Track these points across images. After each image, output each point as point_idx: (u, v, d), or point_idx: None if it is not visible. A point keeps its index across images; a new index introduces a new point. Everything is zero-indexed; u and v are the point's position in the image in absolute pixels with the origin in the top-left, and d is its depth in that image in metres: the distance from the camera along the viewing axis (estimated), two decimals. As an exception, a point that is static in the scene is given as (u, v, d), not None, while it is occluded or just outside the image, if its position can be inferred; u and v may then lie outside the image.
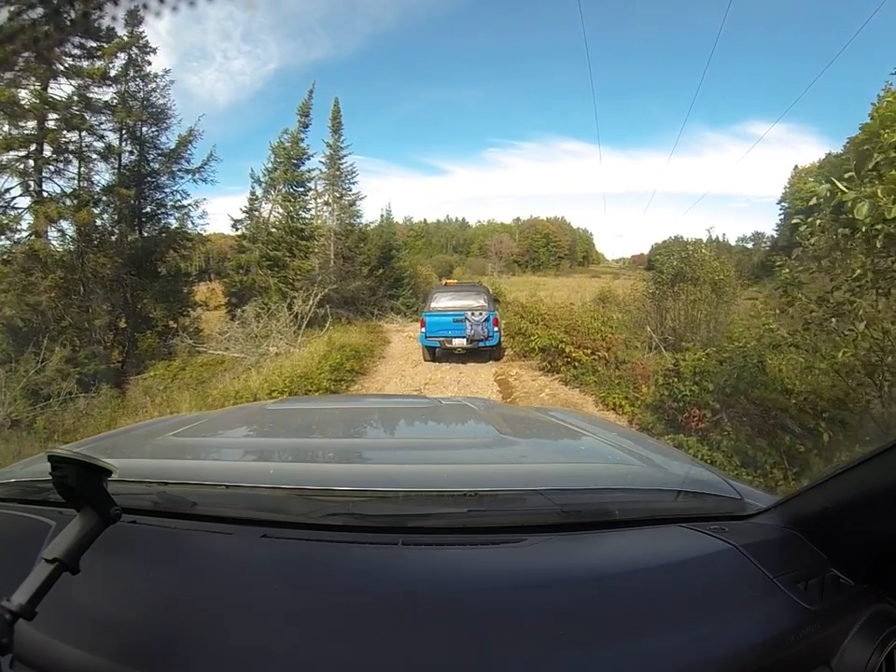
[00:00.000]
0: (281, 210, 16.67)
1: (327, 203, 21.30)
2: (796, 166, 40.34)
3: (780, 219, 37.37)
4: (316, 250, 18.51)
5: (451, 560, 0.78)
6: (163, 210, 14.46)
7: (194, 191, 15.69)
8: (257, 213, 16.58)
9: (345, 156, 21.44)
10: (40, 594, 0.54)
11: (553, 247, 67.23)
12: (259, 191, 16.76)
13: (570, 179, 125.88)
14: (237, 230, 16.52)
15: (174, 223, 14.50)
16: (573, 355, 8.26)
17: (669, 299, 9.93)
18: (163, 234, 14.15)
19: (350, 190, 21.62)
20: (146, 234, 14.16)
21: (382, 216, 23.63)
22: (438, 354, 10.13)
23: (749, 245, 41.65)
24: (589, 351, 8.18)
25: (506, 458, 1.14)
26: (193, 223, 14.56)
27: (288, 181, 16.86)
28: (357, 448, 1.34)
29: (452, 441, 1.42)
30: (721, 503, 0.98)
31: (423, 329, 9.86)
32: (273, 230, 16.49)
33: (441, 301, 10.18)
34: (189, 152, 14.17)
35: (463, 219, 75.19)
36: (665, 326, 9.77)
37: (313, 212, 19.28)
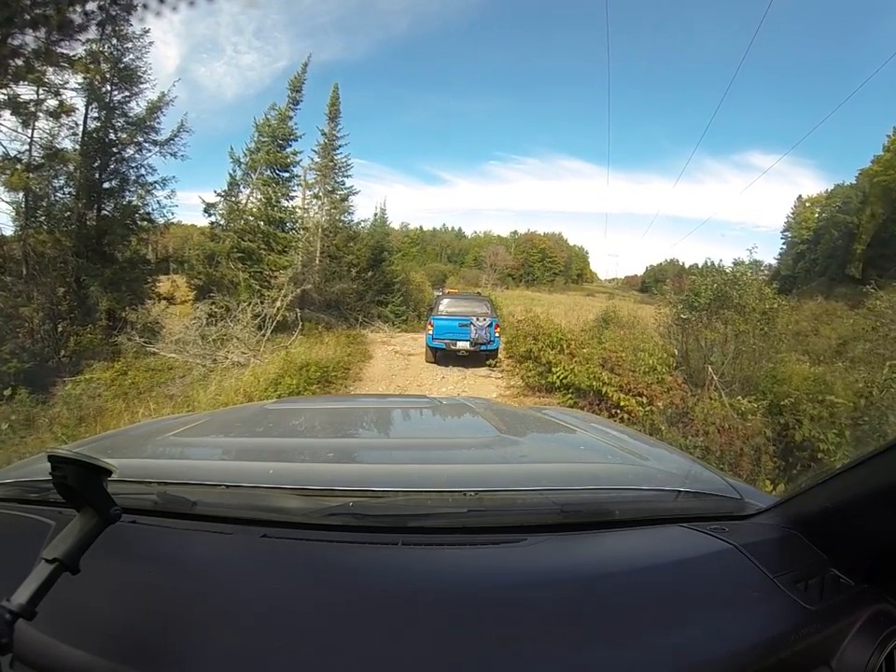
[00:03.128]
0: (260, 196, 14.60)
1: (316, 197, 19.44)
2: (799, 196, 40.51)
3: (782, 248, 36.29)
4: (300, 245, 16.58)
5: (451, 560, 0.80)
6: (126, 186, 12.46)
7: (164, 169, 13.81)
8: (233, 198, 14.50)
9: (341, 146, 19.71)
10: (40, 594, 0.55)
11: (549, 263, 66.11)
12: (238, 173, 14.70)
13: (569, 197, 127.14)
14: (209, 215, 14.48)
15: (136, 201, 12.48)
16: (622, 403, 6.03)
17: (705, 328, 8.28)
18: (120, 213, 12.06)
19: (343, 184, 19.87)
20: (104, 212, 12.09)
21: (376, 214, 21.90)
22: (439, 357, 11.25)
23: (748, 273, 40.68)
24: (645, 400, 6.00)
25: (506, 458, 1.16)
26: (160, 203, 12.55)
27: (271, 163, 14.98)
28: (356, 448, 1.36)
29: (452, 441, 1.44)
30: (721, 503, 1.00)
31: (430, 332, 10.98)
32: (250, 217, 14.45)
33: (449, 307, 11.31)
34: (157, 121, 12.31)
35: (459, 229, 74.10)
36: (692, 360, 8.10)
37: (299, 202, 17.47)
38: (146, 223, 13.48)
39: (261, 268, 14.65)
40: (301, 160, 16.85)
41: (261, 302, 11.20)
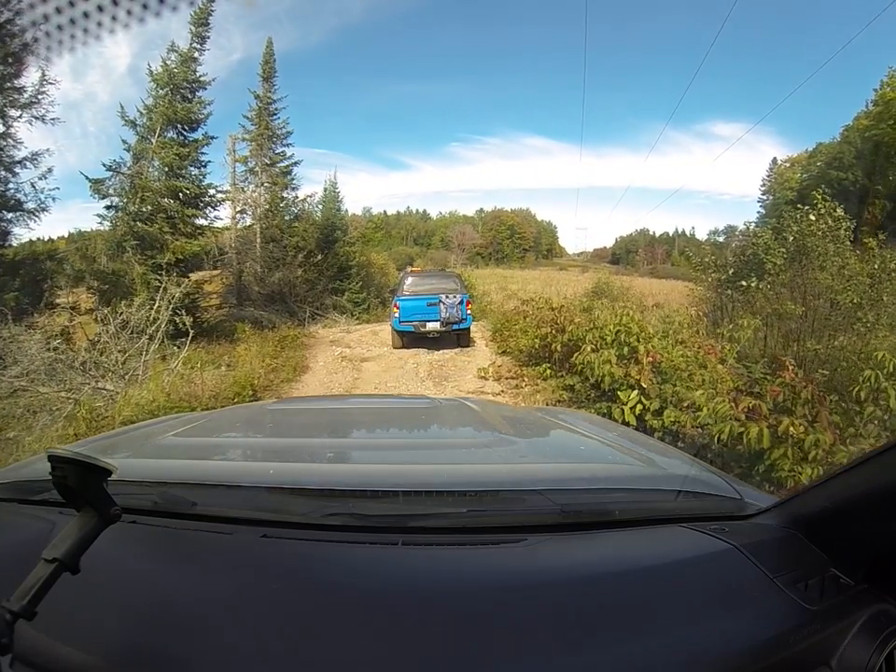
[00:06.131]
0: (159, 163, 11.14)
1: (252, 172, 16.00)
2: (774, 159, 40.05)
3: (760, 212, 34.69)
4: (234, 230, 13.19)
5: (451, 560, 0.82)
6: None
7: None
8: (127, 169, 10.99)
9: (279, 111, 16.30)
10: (40, 594, 0.56)
11: (518, 239, 64.08)
12: (133, 140, 11.20)
13: (535, 174, 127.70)
14: (100, 196, 10.97)
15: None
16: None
17: (791, 301, 5.57)
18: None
19: (284, 155, 16.51)
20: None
21: (325, 189, 18.64)
22: (406, 342, 10.63)
23: (721, 239, 39.01)
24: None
25: (506, 458, 1.19)
26: (34, 186, 9.29)
27: (173, 120, 11.46)
28: (357, 448, 1.40)
29: (452, 441, 1.48)
30: (721, 503, 1.02)
31: (396, 314, 10.33)
32: (148, 193, 10.96)
33: (415, 286, 10.64)
34: (17, 76, 8.82)
35: (424, 211, 71.05)
36: (770, 346, 5.35)
37: (228, 177, 13.88)
38: (9, 213, 9.95)
39: (166, 257, 11.34)
40: (211, 112, 14.03)
41: (158, 305, 8.01)
